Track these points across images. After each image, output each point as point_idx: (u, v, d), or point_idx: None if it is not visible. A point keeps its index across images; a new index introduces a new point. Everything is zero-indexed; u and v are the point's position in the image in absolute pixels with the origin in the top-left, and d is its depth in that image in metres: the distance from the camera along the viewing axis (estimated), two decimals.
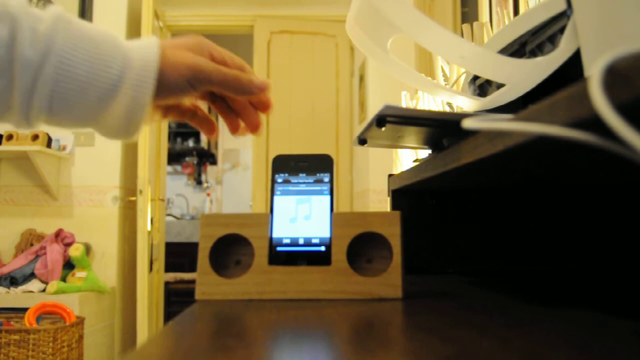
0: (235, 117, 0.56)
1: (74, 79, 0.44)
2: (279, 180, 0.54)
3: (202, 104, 0.58)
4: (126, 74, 0.46)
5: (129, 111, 0.47)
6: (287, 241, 0.51)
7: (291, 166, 0.54)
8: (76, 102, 0.45)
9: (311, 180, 0.53)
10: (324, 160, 0.55)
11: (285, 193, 0.53)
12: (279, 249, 0.51)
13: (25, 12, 0.44)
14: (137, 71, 0.46)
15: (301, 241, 0.51)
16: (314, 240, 0.51)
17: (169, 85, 0.48)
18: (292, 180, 0.53)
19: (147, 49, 0.48)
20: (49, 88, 0.44)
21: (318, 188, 0.53)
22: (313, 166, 0.54)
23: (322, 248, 0.51)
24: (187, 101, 0.57)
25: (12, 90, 0.43)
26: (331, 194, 0.53)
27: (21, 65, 0.43)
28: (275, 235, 0.51)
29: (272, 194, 0.53)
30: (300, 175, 0.54)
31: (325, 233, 0.51)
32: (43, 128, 2.45)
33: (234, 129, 0.57)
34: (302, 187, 0.53)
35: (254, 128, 0.56)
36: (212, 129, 0.57)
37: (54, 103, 0.45)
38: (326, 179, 0.53)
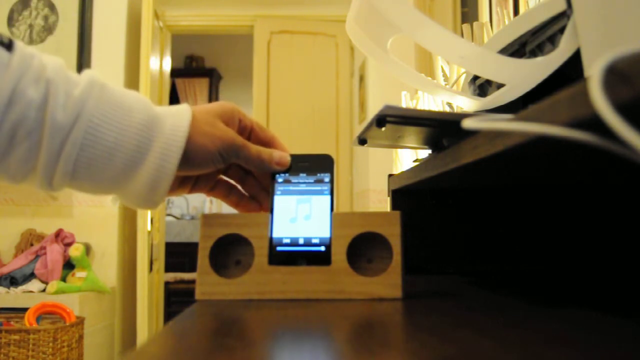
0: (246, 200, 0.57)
1: (101, 144, 0.44)
2: (279, 180, 0.54)
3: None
4: (154, 142, 0.46)
5: (154, 179, 0.46)
6: (287, 241, 0.51)
7: (291, 166, 0.54)
8: (101, 168, 0.45)
9: (311, 180, 0.53)
10: (324, 160, 0.55)
11: (285, 193, 0.53)
12: (279, 249, 0.51)
13: (61, 75, 0.44)
14: (165, 139, 0.46)
15: (301, 241, 0.51)
16: (314, 241, 0.51)
17: (198, 155, 0.48)
18: (293, 180, 0.53)
19: (178, 117, 0.47)
20: (76, 152, 0.43)
21: (318, 188, 0.53)
22: (313, 166, 0.54)
23: (322, 248, 0.51)
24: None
25: (39, 152, 0.43)
26: (331, 194, 0.53)
27: (51, 128, 0.42)
28: (275, 235, 0.51)
29: (272, 193, 0.53)
30: (301, 175, 0.54)
31: (326, 233, 0.51)
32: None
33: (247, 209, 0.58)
34: (303, 187, 0.53)
35: (257, 210, 0.57)
36: (259, 208, 0.57)
37: (79, 168, 0.44)
38: (327, 179, 0.53)
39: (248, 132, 0.54)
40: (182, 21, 3.18)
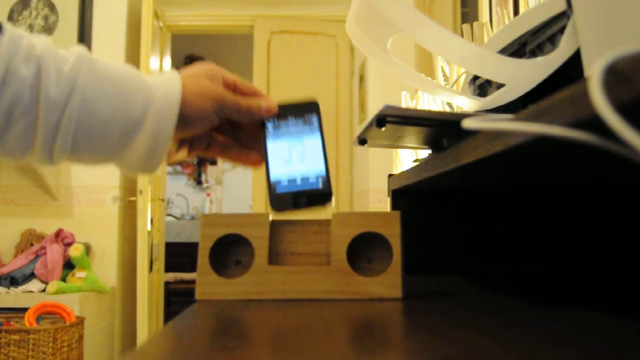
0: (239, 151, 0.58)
1: (97, 117, 0.45)
2: (270, 127, 0.55)
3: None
4: (149, 110, 0.47)
5: (151, 146, 0.48)
6: (285, 183, 0.52)
7: (279, 113, 0.55)
8: (99, 140, 0.46)
9: (300, 124, 0.55)
10: (310, 104, 0.56)
11: (277, 138, 0.54)
12: (278, 191, 0.51)
13: (51, 53, 0.45)
14: (159, 107, 0.47)
15: (299, 181, 0.52)
16: (311, 179, 0.52)
17: (194, 115, 0.50)
18: (282, 126, 0.55)
19: (168, 84, 0.49)
20: (73, 127, 0.45)
21: (308, 129, 0.54)
22: (300, 111, 0.56)
23: (320, 185, 0.51)
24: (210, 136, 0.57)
25: (36, 129, 0.44)
26: (321, 133, 0.54)
27: (45, 105, 0.43)
28: (273, 178, 0.52)
29: (265, 140, 0.54)
30: (289, 120, 0.55)
31: (321, 169, 0.52)
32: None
33: (242, 161, 0.58)
34: (293, 131, 0.54)
35: (254, 164, 0.58)
36: (256, 160, 0.57)
37: (77, 141, 0.46)
38: (315, 121, 0.55)
39: (232, 87, 0.55)
40: (182, 21, 3.18)
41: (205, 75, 0.52)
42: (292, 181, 0.52)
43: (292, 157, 0.53)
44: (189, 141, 0.55)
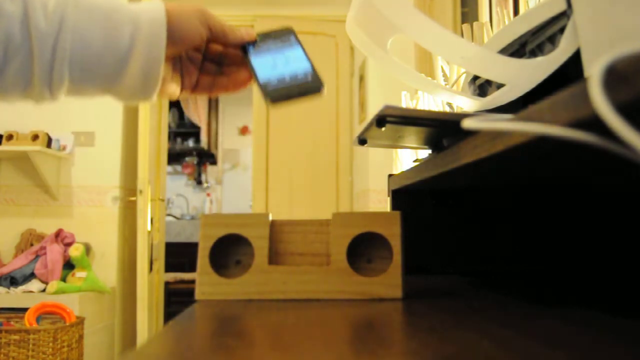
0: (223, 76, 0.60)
1: (89, 47, 0.48)
2: (251, 49, 0.56)
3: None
4: (137, 36, 0.49)
5: (145, 70, 0.50)
6: (275, 82, 0.52)
7: (259, 40, 0.57)
8: (94, 70, 0.48)
9: (279, 42, 0.57)
10: (285, 30, 0.58)
11: (260, 54, 0.55)
12: (270, 88, 0.52)
13: None
14: (147, 31, 0.49)
15: (288, 79, 0.52)
16: (300, 76, 0.53)
17: (183, 28, 0.52)
18: (263, 47, 0.57)
19: (153, 9, 0.51)
20: (67, 58, 0.47)
21: (287, 44, 0.56)
22: (278, 34, 0.58)
23: (308, 77, 0.52)
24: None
25: (32, 63, 0.46)
26: (301, 46, 0.56)
27: (38, 39, 0.45)
28: (262, 82, 0.53)
29: (249, 58, 0.55)
30: (268, 42, 0.57)
31: (307, 67, 0.53)
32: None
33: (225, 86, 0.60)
34: (273, 47, 0.56)
35: (243, 83, 0.59)
36: (244, 79, 0.59)
37: (74, 72, 0.48)
38: (292, 38, 0.57)
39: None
40: None
41: (186, 3, 0.55)
42: (281, 80, 0.53)
43: (278, 65, 0.54)
44: (179, 72, 0.57)
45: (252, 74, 0.54)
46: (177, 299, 3.61)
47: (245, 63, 0.56)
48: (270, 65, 0.54)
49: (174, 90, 0.56)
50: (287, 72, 0.53)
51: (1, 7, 0.44)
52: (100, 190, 2.59)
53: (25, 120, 2.52)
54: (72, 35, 0.46)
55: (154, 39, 0.49)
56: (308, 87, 0.52)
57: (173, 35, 0.51)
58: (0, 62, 0.45)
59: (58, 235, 2.38)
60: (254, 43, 0.57)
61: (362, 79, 2.93)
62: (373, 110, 2.47)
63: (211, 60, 0.58)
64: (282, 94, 0.51)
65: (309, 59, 0.54)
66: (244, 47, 0.56)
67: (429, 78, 0.56)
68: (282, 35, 0.58)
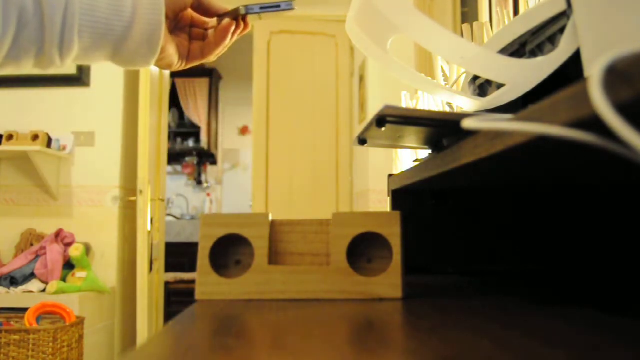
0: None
1: (96, 12, 0.51)
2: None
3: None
4: (138, 0, 0.53)
5: (148, 32, 0.54)
6: (253, 5, 0.59)
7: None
8: (102, 33, 0.52)
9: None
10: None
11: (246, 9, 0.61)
12: (248, 5, 0.58)
13: None
14: None
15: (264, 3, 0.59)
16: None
17: None
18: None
19: None
20: (77, 24, 0.50)
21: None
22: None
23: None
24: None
25: (44, 31, 0.49)
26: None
27: (49, 7, 0.49)
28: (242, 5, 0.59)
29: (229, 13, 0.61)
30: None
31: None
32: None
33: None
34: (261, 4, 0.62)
35: (227, 28, 0.63)
36: (227, 24, 0.63)
37: (83, 37, 0.51)
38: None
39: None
40: None
41: None
42: (262, 6, 0.59)
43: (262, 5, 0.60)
44: (174, 42, 0.61)
45: (232, 14, 0.60)
46: (177, 299, 3.61)
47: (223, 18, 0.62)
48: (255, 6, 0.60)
49: (172, 55, 0.60)
50: (268, 3, 0.60)
51: None
52: (100, 190, 2.59)
53: (25, 120, 2.52)
54: (80, 3, 0.50)
55: (154, 2, 0.54)
56: (281, 3, 0.58)
57: None
58: (14, 31, 0.48)
59: (58, 235, 2.38)
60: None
61: (362, 79, 2.93)
62: (373, 110, 2.48)
63: (195, 39, 0.64)
64: (256, 5, 0.57)
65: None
66: (224, 15, 0.62)
67: (429, 78, 0.56)
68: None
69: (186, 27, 0.62)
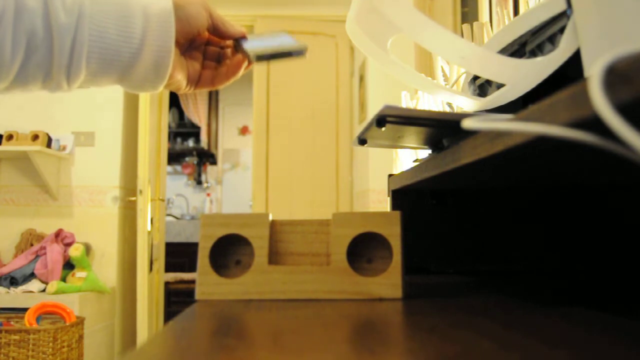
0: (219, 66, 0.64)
1: (105, 37, 0.50)
2: (243, 40, 0.60)
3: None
4: (148, 25, 0.52)
5: (156, 58, 0.53)
6: (263, 46, 0.57)
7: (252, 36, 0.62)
8: (110, 59, 0.51)
9: (272, 34, 0.61)
10: (279, 31, 0.63)
11: (252, 40, 0.60)
12: (258, 49, 0.56)
13: None
14: (156, 24, 0.52)
15: (275, 45, 0.58)
16: (286, 42, 0.58)
17: (189, 16, 0.55)
18: (256, 37, 0.61)
19: (160, 1, 0.54)
20: (85, 49, 0.49)
21: (279, 35, 0.61)
22: (270, 33, 0.62)
23: (294, 42, 0.57)
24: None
25: (52, 56, 0.48)
26: (292, 37, 0.60)
27: (58, 31, 0.47)
28: (252, 46, 0.57)
29: (241, 43, 0.59)
30: (262, 35, 0.61)
31: (294, 41, 0.58)
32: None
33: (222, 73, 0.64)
34: (266, 36, 0.61)
35: (239, 65, 0.63)
36: (240, 60, 0.63)
37: (91, 63, 0.50)
38: (284, 34, 0.61)
39: None
40: None
41: None
42: (268, 46, 0.57)
43: (267, 43, 0.59)
44: (185, 65, 0.59)
45: (244, 53, 0.58)
46: (177, 299, 3.61)
47: (239, 51, 0.61)
48: (261, 43, 0.59)
49: (180, 81, 0.59)
50: (276, 43, 0.58)
51: (24, 3, 0.46)
52: (100, 190, 2.59)
53: (25, 120, 2.52)
54: (89, 29, 0.49)
55: (164, 29, 0.52)
56: (292, 48, 0.56)
57: (180, 21, 0.54)
58: (23, 55, 0.47)
59: (58, 235, 2.38)
60: (247, 37, 0.61)
61: (362, 79, 2.93)
62: (373, 110, 2.48)
63: (210, 58, 0.62)
64: (267, 52, 0.56)
65: (296, 40, 0.59)
66: (238, 40, 0.60)
67: (429, 78, 0.56)
68: (275, 32, 0.62)
69: (202, 45, 0.61)
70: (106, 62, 0.51)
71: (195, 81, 0.61)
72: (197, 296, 0.51)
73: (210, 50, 0.62)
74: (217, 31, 0.59)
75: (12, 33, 0.45)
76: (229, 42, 0.62)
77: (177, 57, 0.57)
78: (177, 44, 0.55)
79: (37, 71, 0.48)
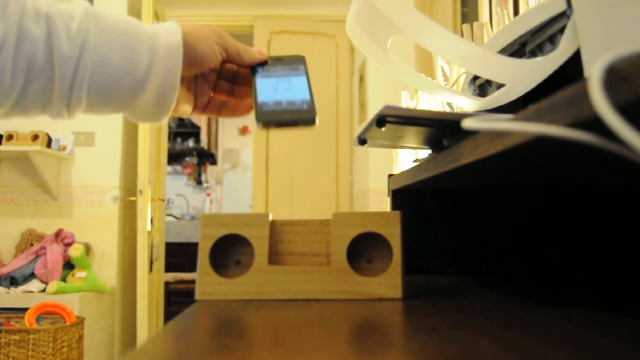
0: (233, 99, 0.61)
1: (109, 70, 0.48)
2: (260, 70, 0.57)
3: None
4: (155, 58, 0.50)
5: (160, 95, 0.51)
6: (272, 104, 0.53)
7: (268, 61, 0.59)
8: (112, 92, 0.49)
9: (288, 69, 0.58)
10: (297, 57, 0.60)
11: (266, 77, 0.56)
12: (265, 109, 0.52)
13: (56, 10, 0.47)
14: (163, 57, 0.50)
15: (285, 104, 0.53)
16: (297, 103, 0.53)
17: (200, 50, 0.53)
18: (271, 70, 0.58)
19: (169, 32, 0.52)
20: (87, 80, 0.48)
21: (294, 72, 0.57)
22: (288, 61, 0.59)
23: (304, 106, 0.52)
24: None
25: (53, 85, 0.47)
26: (307, 76, 0.57)
27: (60, 61, 0.46)
28: (260, 100, 0.53)
29: (255, 78, 0.56)
30: (278, 66, 0.58)
31: (306, 96, 0.54)
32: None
33: (234, 110, 0.62)
34: (281, 73, 0.57)
35: (247, 109, 0.61)
36: (248, 106, 0.61)
37: (92, 94, 0.49)
38: (301, 67, 0.58)
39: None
40: (182, 21, 3.17)
41: (203, 25, 0.56)
42: (278, 103, 0.53)
43: (279, 89, 0.55)
44: (193, 92, 0.57)
45: (253, 94, 0.55)
46: (177, 299, 3.61)
47: (251, 84, 0.57)
48: (272, 88, 0.55)
49: (186, 109, 0.57)
50: (286, 98, 0.54)
51: (27, 31, 0.45)
52: (100, 190, 2.59)
53: (25, 120, 2.51)
54: (92, 59, 0.47)
55: (171, 64, 0.50)
56: (301, 116, 0.52)
57: (189, 57, 0.52)
58: (22, 83, 0.46)
59: (58, 235, 2.38)
60: (264, 63, 0.58)
61: (362, 79, 2.93)
62: (373, 110, 2.48)
63: (225, 78, 0.60)
64: (274, 118, 0.52)
65: (310, 90, 0.55)
66: (254, 67, 0.58)
67: (429, 78, 0.56)
68: (293, 62, 0.59)
69: (212, 78, 0.59)
70: (108, 94, 0.49)
71: (202, 108, 0.59)
72: (197, 296, 0.51)
73: (226, 68, 0.59)
74: (232, 62, 0.57)
75: (12, 60, 0.44)
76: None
77: (184, 90, 0.55)
78: (184, 80, 0.53)
79: (37, 99, 0.47)
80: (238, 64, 0.58)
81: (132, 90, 0.50)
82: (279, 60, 0.59)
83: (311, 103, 0.53)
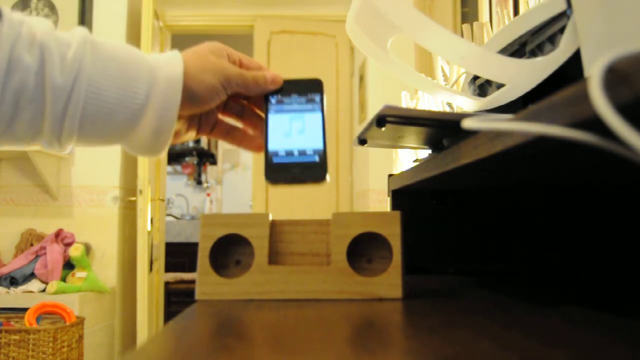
0: (244, 132, 0.59)
1: (103, 101, 0.46)
2: (273, 101, 0.55)
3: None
4: (152, 93, 0.47)
5: (156, 129, 0.48)
6: (283, 153, 0.51)
7: (283, 87, 0.56)
8: (106, 124, 0.47)
9: (303, 100, 0.55)
10: (314, 82, 0.57)
11: (279, 112, 0.54)
12: (275, 160, 0.51)
13: (52, 38, 0.45)
14: (162, 89, 0.47)
15: (296, 153, 0.51)
16: (308, 152, 0.51)
17: (201, 90, 0.50)
18: (285, 101, 0.55)
19: (170, 64, 0.49)
20: (79, 112, 0.45)
21: (310, 107, 0.55)
22: (304, 88, 0.57)
23: (316, 158, 0.51)
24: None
25: (44, 115, 0.45)
26: (322, 111, 0.54)
27: (52, 92, 0.44)
28: (271, 149, 0.51)
29: (267, 113, 0.54)
30: (292, 96, 0.56)
31: (319, 145, 0.51)
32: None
33: (247, 143, 0.59)
34: (295, 107, 0.55)
35: (255, 149, 0.58)
36: (257, 146, 0.58)
37: (85, 125, 0.46)
38: (317, 99, 0.55)
39: (237, 63, 0.55)
40: (182, 21, 3.17)
41: (209, 52, 0.52)
42: (289, 153, 0.51)
43: (292, 130, 0.53)
44: (197, 120, 0.55)
45: (264, 132, 0.53)
46: (177, 299, 3.61)
47: (262, 118, 0.55)
48: (285, 129, 0.53)
49: (189, 137, 0.55)
50: (298, 145, 0.52)
51: (19, 59, 0.43)
52: (100, 190, 2.59)
53: None
54: (86, 91, 0.45)
55: (169, 99, 0.48)
56: (311, 173, 0.50)
57: (190, 95, 0.49)
58: (11, 112, 0.44)
59: (58, 235, 2.37)
60: (278, 91, 0.56)
61: (362, 79, 2.93)
62: (373, 110, 2.47)
63: (233, 105, 0.57)
64: (284, 177, 0.50)
65: (324, 133, 0.53)
66: (267, 96, 0.55)
67: (429, 78, 0.56)
68: (309, 90, 0.56)
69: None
70: (101, 124, 0.47)
71: (208, 131, 0.56)
72: (197, 296, 0.51)
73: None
74: (240, 96, 0.54)
75: (0, 89, 0.42)
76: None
77: (184, 122, 0.52)
78: (183, 117, 0.51)
79: (27, 129, 0.45)
80: (251, 92, 0.55)
81: (127, 120, 0.47)
82: (294, 86, 0.56)
83: (323, 155, 0.51)
